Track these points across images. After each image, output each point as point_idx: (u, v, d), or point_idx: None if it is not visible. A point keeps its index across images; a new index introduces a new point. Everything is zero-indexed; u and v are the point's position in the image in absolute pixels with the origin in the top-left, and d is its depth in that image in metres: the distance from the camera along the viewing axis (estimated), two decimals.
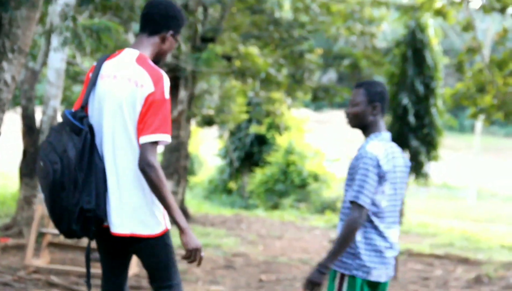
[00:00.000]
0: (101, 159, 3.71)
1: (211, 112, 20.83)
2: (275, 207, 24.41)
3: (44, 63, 11.38)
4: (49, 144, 3.74)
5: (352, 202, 3.93)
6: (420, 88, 20.68)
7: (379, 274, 4.01)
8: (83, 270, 9.24)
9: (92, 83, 3.82)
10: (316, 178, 24.93)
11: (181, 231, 3.67)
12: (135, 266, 9.70)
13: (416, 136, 20.87)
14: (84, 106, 3.82)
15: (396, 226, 4.14)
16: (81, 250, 10.46)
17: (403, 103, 20.64)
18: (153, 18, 3.85)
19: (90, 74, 3.88)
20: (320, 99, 20.72)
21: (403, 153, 4.26)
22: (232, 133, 28.80)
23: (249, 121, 27.53)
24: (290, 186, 24.90)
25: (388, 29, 36.77)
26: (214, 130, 30.96)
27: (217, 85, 20.49)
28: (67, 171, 3.65)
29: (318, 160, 26.13)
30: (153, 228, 3.72)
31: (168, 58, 16.71)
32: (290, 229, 17.92)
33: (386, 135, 4.14)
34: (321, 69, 23.25)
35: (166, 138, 3.65)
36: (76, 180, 3.64)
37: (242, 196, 27.86)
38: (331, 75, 53.30)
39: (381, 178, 3.99)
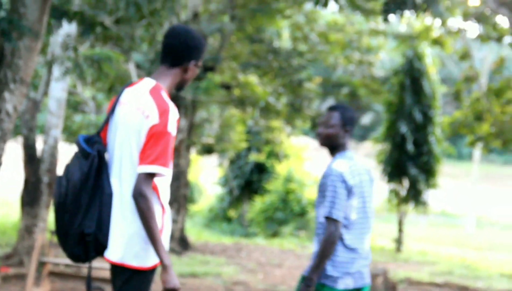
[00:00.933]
0: (109, 185, 3.74)
1: (211, 140, 20.90)
2: (275, 235, 24.38)
3: (45, 93, 11.49)
4: (66, 168, 3.83)
5: (327, 218, 4.29)
6: (418, 116, 20.75)
7: (346, 283, 4.34)
8: None
9: (112, 109, 3.90)
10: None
11: (163, 267, 3.66)
12: None
13: (415, 164, 20.90)
14: (99, 132, 3.90)
15: (367, 236, 4.48)
16: (81, 280, 10.50)
17: (401, 131, 20.70)
18: (174, 50, 3.87)
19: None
20: (318, 126, 20.82)
21: (368, 169, 4.65)
22: (232, 162, 28.84)
23: (249, 149, 27.59)
24: (290, 214, 24.88)
25: (386, 58, 37.00)
26: (214, 158, 31.02)
27: (217, 114, 20.60)
28: (71, 194, 3.71)
29: None
30: (144, 260, 3.73)
31: None
32: (290, 257, 17.91)
33: (350, 153, 4.52)
34: (320, 97, 23.37)
35: (162, 170, 3.67)
36: (79, 204, 3.70)
37: (242, 224, 27.82)
38: (330, 103, 53.54)
39: (348, 192, 4.35)
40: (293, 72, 18.36)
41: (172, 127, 3.72)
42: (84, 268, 10.91)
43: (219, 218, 28.93)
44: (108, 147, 3.88)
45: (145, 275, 3.75)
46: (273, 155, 27.60)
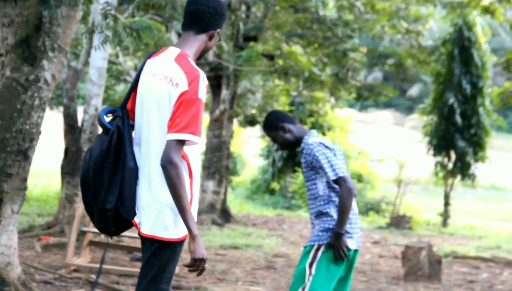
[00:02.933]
0: (132, 159, 3.68)
1: (254, 111, 20.71)
2: None
3: (86, 62, 11.40)
4: (94, 144, 3.80)
5: (335, 181, 4.60)
6: (467, 87, 20.26)
7: (351, 242, 4.69)
8: (124, 268, 9.23)
9: (135, 80, 3.84)
10: (360, 178, 24.63)
11: (191, 237, 3.56)
12: None
13: (463, 136, 20.45)
14: (124, 104, 3.84)
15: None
16: (121, 249, 10.48)
17: (449, 102, 20.24)
18: (202, 16, 3.78)
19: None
20: (364, 98, 20.46)
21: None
22: None
23: None
24: None
25: (435, 27, 36.32)
26: (257, 130, 30.85)
27: (260, 84, 20.38)
28: (92, 170, 3.68)
29: (362, 160, 25.84)
30: (173, 232, 3.64)
31: (210, 57, 16.71)
32: None
33: (314, 132, 4.93)
34: (366, 68, 23.00)
35: (193, 138, 3.56)
36: (101, 180, 3.66)
37: (284, 196, 27.67)
38: (376, 75, 52.93)
39: (334, 155, 4.71)
40: (338, 42, 18.01)
41: (202, 94, 3.61)
42: (125, 238, 10.91)
43: (262, 190, 28.81)
44: (135, 118, 3.79)
45: (173, 247, 3.66)
46: (317, 126, 27.31)
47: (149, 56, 3.85)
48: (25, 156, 6.44)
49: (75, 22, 6.65)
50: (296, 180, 26.13)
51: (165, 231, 3.62)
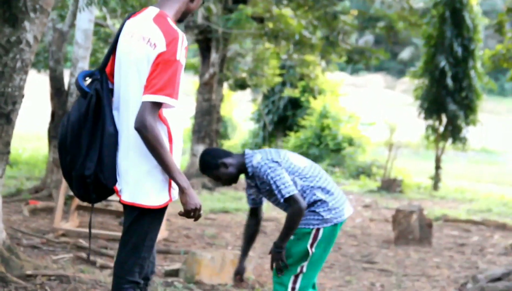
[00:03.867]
0: (112, 123, 3.55)
1: (244, 75, 20.53)
2: None
3: (72, 25, 11.21)
4: (72, 108, 3.68)
5: (286, 200, 4.47)
6: (458, 50, 20.11)
7: (340, 216, 4.68)
8: (112, 233, 9.16)
9: (114, 42, 3.70)
10: (351, 142, 24.59)
11: (181, 190, 3.46)
12: (163, 230, 9.59)
13: (454, 99, 20.36)
14: (103, 67, 3.71)
15: (331, 180, 4.80)
16: (110, 214, 10.39)
17: (440, 65, 20.11)
18: None
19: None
20: (355, 61, 20.32)
21: None
22: (266, 97, 28.49)
23: (283, 84, 27.19)
24: (325, 150, 24.61)
25: None
26: (247, 93, 30.70)
27: (250, 47, 20.18)
28: (70, 135, 3.56)
29: (353, 124, 25.77)
30: (153, 199, 3.53)
31: (199, 20, 16.49)
32: None
33: (250, 151, 4.74)
34: (357, 31, 22.80)
35: (169, 100, 3.42)
36: (79, 145, 3.55)
37: None
38: (368, 38, 52.61)
39: (279, 164, 4.60)
40: (328, 5, 17.79)
41: (181, 55, 3.46)
42: (113, 202, 10.82)
43: None
44: (114, 82, 3.66)
45: (154, 214, 3.57)
46: (308, 90, 27.18)
47: (129, 17, 3.72)
48: (7, 119, 6.29)
49: None
50: (287, 144, 26.10)
51: (145, 198, 3.51)
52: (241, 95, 33.31)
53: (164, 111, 3.50)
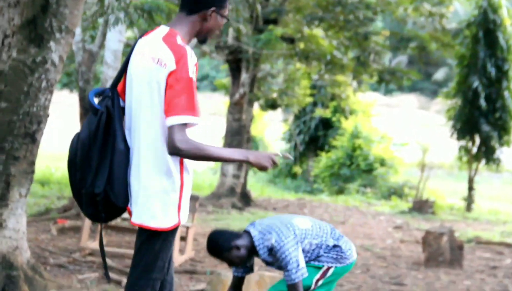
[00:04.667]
0: (122, 141, 3.54)
1: (275, 95, 20.52)
2: (340, 191, 24.01)
3: (102, 45, 11.30)
4: (82, 126, 3.66)
5: (289, 285, 4.55)
6: (491, 70, 19.89)
7: (351, 257, 4.85)
8: None
9: (126, 61, 3.72)
10: (382, 162, 24.41)
11: (247, 160, 3.55)
12: (190, 250, 9.56)
13: (488, 120, 20.11)
14: (115, 85, 3.70)
15: (337, 232, 4.91)
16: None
17: (473, 86, 19.91)
18: None
19: None
20: (386, 82, 20.17)
21: None
22: (297, 117, 28.43)
23: (314, 104, 27.13)
24: (356, 170, 24.45)
25: (461, 9, 35.79)
26: (279, 113, 30.67)
27: (281, 68, 20.18)
28: (80, 153, 3.54)
29: (385, 144, 25.58)
30: (162, 221, 3.51)
31: (229, 40, 16.53)
32: (354, 214, 17.55)
33: (257, 231, 4.67)
34: (391, 51, 22.68)
35: (193, 120, 3.42)
36: (89, 162, 3.52)
37: (307, 180, 27.52)
38: (401, 58, 52.36)
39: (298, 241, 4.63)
40: (359, 25, 17.72)
41: (192, 72, 3.46)
42: None
43: (284, 174, 28.67)
44: (126, 100, 3.65)
45: (165, 236, 3.55)
46: (339, 110, 27.07)
47: (141, 36, 3.74)
48: (32, 139, 6.33)
49: (82, 3, 6.52)
50: (318, 164, 25.99)
51: (153, 220, 3.50)
52: (272, 115, 33.29)
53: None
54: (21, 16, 6.26)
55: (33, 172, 6.46)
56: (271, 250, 4.61)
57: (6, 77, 6.23)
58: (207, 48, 16.66)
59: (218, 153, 3.46)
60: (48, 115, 6.51)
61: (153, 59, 3.50)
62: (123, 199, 3.54)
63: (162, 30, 3.62)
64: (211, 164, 30.59)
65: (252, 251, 4.65)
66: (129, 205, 3.59)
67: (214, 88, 27.92)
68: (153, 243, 3.54)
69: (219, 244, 4.59)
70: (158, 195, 3.49)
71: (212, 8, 3.66)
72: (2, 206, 6.23)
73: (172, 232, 3.56)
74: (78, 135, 3.60)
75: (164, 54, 3.47)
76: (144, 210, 3.50)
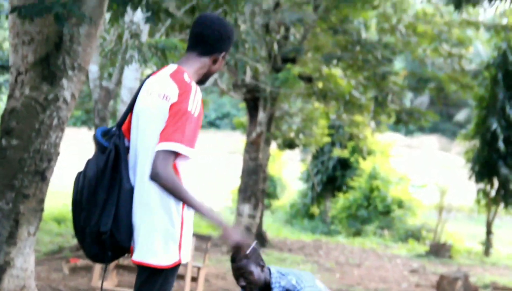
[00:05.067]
0: (128, 180, 3.51)
1: (292, 134, 20.46)
2: (358, 233, 23.79)
3: (119, 82, 11.33)
4: (86, 164, 3.62)
5: None
6: (510, 112, 19.71)
7: None
8: None
9: (133, 100, 3.71)
10: (400, 204, 24.18)
11: (219, 228, 3.45)
12: (201, 286, 9.46)
13: (506, 163, 19.86)
14: (120, 124, 3.69)
15: None
16: None
17: (492, 128, 19.73)
18: (206, 39, 3.66)
19: None
20: (404, 122, 20.07)
21: None
22: (315, 157, 28.34)
23: (333, 144, 27.05)
24: (373, 212, 24.24)
25: (483, 51, 35.70)
26: (298, 153, 30.60)
27: (299, 107, 20.16)
28: (87, 191, 3.50)
29: (404, 186, 25.37)
30: (161, 258, 3.46)
31: (247, 79, 16.56)
32: (370, 257, 17.34)
33: (277, 270, 4.65)
34: (410, 92, 22.61)
35: (181, 149, 3.38)
36: (95, 200, 3.48)
37: (324, 221, 27.32)
38: (423, 99, 52.24)
39: None
40: (377, 65, 17.70)
41: (193, 107, 3.44)
42: None
43: (301, 214, 28.50)
44: (131, 139, 3.63)
45: (165, 274, 3.48)
46: (357, 151, 26.96)
47: (149, 76, 3.74)
48: (42, 177, 6.30)
49: (95, 41, 6.53)
50: (335, 205, 25.83)
51: (153, 257, 3.45)
52: (291, 154, 33.23)
53: (178, 162, 3.46)
54: (35, 54, 6.28)
55: (42, 210, 6.42)
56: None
57: (18, 114, 6.24)
58: (224, 87, 16.69)
59: (192, 199, 3.39)
60: (58, 153, 6.49)
61: (159, 96, 3.51)
62: (128, 238, 3.50)
63: (171, 68, 3.64)
64: (229, 203, 30.51)
65: (264, 287, 4.56)
66: (132, 244, 3.54)
67: (234, 127, 27.95)
68: (153, 283, 3.48)
69: (251, 260, 4.52)
70: (158, 232, 3.44)
71: (223, 53, 3.71)
72: (11, 245, 6.18)
73: (172, 271, 3.49)
74: (84, 174, 3.55)
75: (169, 89, 3.49)
76: (144, 247, 3.46)
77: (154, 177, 3.36)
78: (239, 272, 4.50)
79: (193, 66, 3.65)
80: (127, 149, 3.63)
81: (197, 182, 3.67)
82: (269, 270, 4.63)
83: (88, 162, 3.60)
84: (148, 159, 3.47)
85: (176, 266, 3.49)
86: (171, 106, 3.44)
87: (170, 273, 3.48)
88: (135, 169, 3.56)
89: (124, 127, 3.69)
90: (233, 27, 3.82)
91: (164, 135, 3.38)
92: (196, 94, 3.48)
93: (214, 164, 46.45)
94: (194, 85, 3.50)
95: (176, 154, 3.39)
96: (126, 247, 3.52)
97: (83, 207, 3.50)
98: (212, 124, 63.04)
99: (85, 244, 3.54)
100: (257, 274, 4.49)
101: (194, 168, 3.57)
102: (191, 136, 3.41)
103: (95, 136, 3.62)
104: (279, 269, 4.65)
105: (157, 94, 3.52)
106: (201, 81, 3.75)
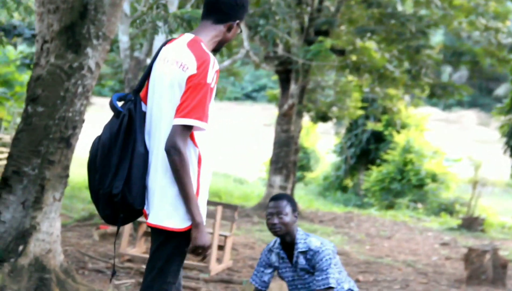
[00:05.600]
0: (142, 144, 3.59)
1: (325, 107, 20.42)
2: (391, 206, 23.74)
3: (149, 53, 11.42)
4: (104, 128, 3.72)
5: (326, 288, 4.61)
6: None
7: None
8: None
9: (150, 67, 3.78)
10: (434, 178, 24.04)
11: (194, 225, 3.47)
12: (228, 259, 9.57)
13: None
14: (137, 90, 3.77)
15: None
16: None
17: None
18: (221, 6, 3.72)
19: None
20: (437, 96, 19.88)
21: None
22: (349, 130, 28.27)
23: (366, 117, 26.94)
24: (407, 185, 24.15)
25: None
26: (332, 126, 30.54)
27: (332, 79, 20.09)
28: (100, 154, 3.59)
29: (438, 160, 25.20)
30: (177, 222, 3.52)
31: (279, 51, 16.55)
32: (402, 230, 17.32)
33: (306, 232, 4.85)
34: (443, 66, 22.35)
35: (198, 124, 3.45)
36: (109, 163, 3.56)
37: (357, 194, 27.31)
38: (462, 73, 51.60)
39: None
40: (411, 38, 17.53)
41: (211, 79, 3.50)
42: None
43: (334, 186, 28.51)
44: (148, 105, 3.71)
45: (180, 238, 3.55)
46: (392, 124, 26.81)
47: (165, 43, 3.79)
48: (67, 143, 6.43)
49: (120, 10, 6.61)
50: (369, 178, 25.76)
51: (168, 220, 3.52)
52: (326, 127, 33.18)
53: (196, 134, 3.53)
54: (60, 22, 6.39)
55: (67, 176, 6.55)
56: (307, 252, 4.69)
57: (44, 82, 6.36)
58: (256, 58, 16.71)
59: (189, 186, 3.45)
60: (83, 121, 6.62)
61: (176, 63, 3.55)
62: (140, 201, 3.57)
63: (187, 37, 3.69)
64: (263, 174, 30.63)
65: (288, 238, 4.73)
66: (145, 208, 3.61)
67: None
68: (168, 246, 3.55)
69: (290, 197, 4.85)
70: (173, 196, 3.51)
71: (237, 21, 3.76)
72: (36, 209, 6.34)
73: (187, 236, 3.55)
74: (99, 138, 3.65)
75: (187, 59, 3.53)
76: (160, 210, 3.53)
77: (171, 149, 3.42)
78: (276, 210, 4.71)
79: (208, 35, 3.70)
80: (144, 114, 3.70)
81: (214, 149, 3.74)
82: (297, 228, 4.79)
83: (104, 126, 3.69)
84: (162, 124, 3.55)
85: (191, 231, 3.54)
86: (190, 77, 3.48)
87: (184, 238, 3.55)
88: (150, 133, 3.63)
89: (142, 93, 3.76)
90: None
91: (183, 110, 3.44)
92: (214, 65, 3.53)
93: (249, 136, 46.55)
94: (211, 56, 3.55)
95: (191, 127, 3.46)
96: (137, 210, 3.60)
97: (97, 170, 3.59)
98: (248, 96, 63.05)
99: (99, 205, 3.63)
100: (290, 218, 4.70)
101: (211, 137, 3.63)
102: (207, 110, 3.48)
103: (111, 102, 3.69)
104: (306, 232, 4.82)
105: (174, 61, 3.56)
106: (215, 50, 3.81)
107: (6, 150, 15.53)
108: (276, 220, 4.70)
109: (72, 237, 10.41)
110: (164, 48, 3.73)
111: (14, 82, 16.17)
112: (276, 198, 4.81)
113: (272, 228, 4.73)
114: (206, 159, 3.60)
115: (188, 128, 3.45)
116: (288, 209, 4.74)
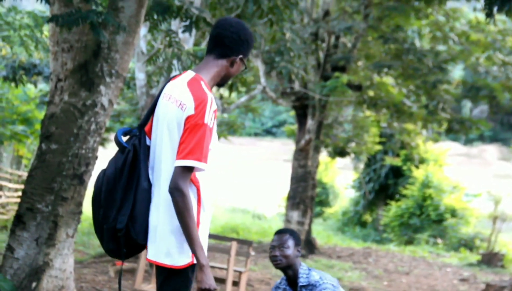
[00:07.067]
0: (146, 179, 3.62)
1: (342, 143, 20.43)
2: (410, 241, 23.57)
3: None
4: (109, 163, 3.75)
5: None
6: None
7: None
8: None
9: (154, 102, 3.82)
10: (453, 213, 23.88)
11: (199, 267, 3.46)
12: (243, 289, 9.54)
13: None
14: (143, 125, 3.80)
15: None
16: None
17: None
18: (223, 41, 3.72)
19: None
20: (455, 131, 19.85)
21: None
22: (367, 165, 28.22)
23: (385, 152, 26.90)
24: (426, 220, 23.98)
25: None
26: (350, 161, 30.50)
27: (350, 114, 20.13)
28: (105, 188, 3.62)
29: (457, 194, 25.04)
30: (176, 259, 3.54)
31: (297, 87, 16.64)
32: (420, 265, 17.17)
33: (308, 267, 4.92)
34: (459, 100, 22.33)
35: (197, 164, 3.47)
36: (113, 198, 3.59)
37: (376, 229, 27.16)
38: (483, 107, 51.48)
39: None
40: (428, 73, 17.57)
41: (209, 119, 3.52)
42: None
43: (353, 222, 28.39)
44: (151, 140, 3.74)
45: (182, 274, 3.55)
46: (410, 159, 26.74)
47: (170, 79, 3.83)
48: (80, 180, 6.50)
49: (133, 48, 6.71)
50: (388, 213, 25.62)
51: (167, 257, 3.54)
52: (344, 163, 33.16)
53: (197, 174, 3.55)
54: (74, 61, 6.50)
55: (80, 212, 6.62)
56: (307, 287, 4.73)
57: (58, 119, 6.46)
58: (273, 94, 16.81)
59: (193, 228, 3.45)
60: (96, 157, 6.69)
61: (176, 102, 3.58)
62: (144, 235, 3.60)
63: (188, 74, 3.71)
64: (281, 209, 30.59)
65: (290, 272, 4.80)
66: (147, 242, 3.64)
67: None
68: (174, 282, 3.56)
69: (297, 237, 4.90)
70: (173, 232, 3.53)
71: (241, 55, 3.76)
72: (50, 246, 6.39)
73: (192, 270, 3.57)
74: (104, 172, 3.68)
75: (185, 98, 3.55)
76: (160, 247, 3.55)
77: (174, 191, 3.45)
78: (278, 242, 4.81)
79: (210, 71, 3.73)
80: (148, 148, 3.74)
81: (216, 190, 3.77)
82: (300, 263, 4.85)
83: (109, 161, 3.73)
84: (163, 160, 3.59)
85: (194, 266, 3.56)
86: (188, 118, 3.51)
87: (189, 272, 3.56)
88: (153, 168, 3.68)
89: (146, 128, 3.80)
90: (250, 30, 3.84)
91: (182, 151, 3.48)
92: (212, 105, 3.55)
93: (269, 171, 46.55)
94: (210, 95, 3.57)
95: (192, 168, 3.49)
96: (141, 244, 3.62)
97: (101, 204, 3.63)
98: (268, 132, 63.19)
99: (103, 240, 3.65)
100: (292, 252, 4.78)
101: (211, 177, 3.66)
102: (206, 150, 3.51)
103: (116, 137, 3.73)
104: (309, 268, 4.85)
105: (174, 100, 3.60)
106: (220, 84, 3.83)
107: None
108: (277, 252, 4.79)
109: (88, 274, 10.43)
110: (168, 84, 3.77)
111: (34, 120, 16.34)
112: (279, 232, 4.90)
113: (273, 260, 4.80)
114: (206, 197, 3.63)
115: (189, 169, 3.48)
116: (290, 242, 4.81)
